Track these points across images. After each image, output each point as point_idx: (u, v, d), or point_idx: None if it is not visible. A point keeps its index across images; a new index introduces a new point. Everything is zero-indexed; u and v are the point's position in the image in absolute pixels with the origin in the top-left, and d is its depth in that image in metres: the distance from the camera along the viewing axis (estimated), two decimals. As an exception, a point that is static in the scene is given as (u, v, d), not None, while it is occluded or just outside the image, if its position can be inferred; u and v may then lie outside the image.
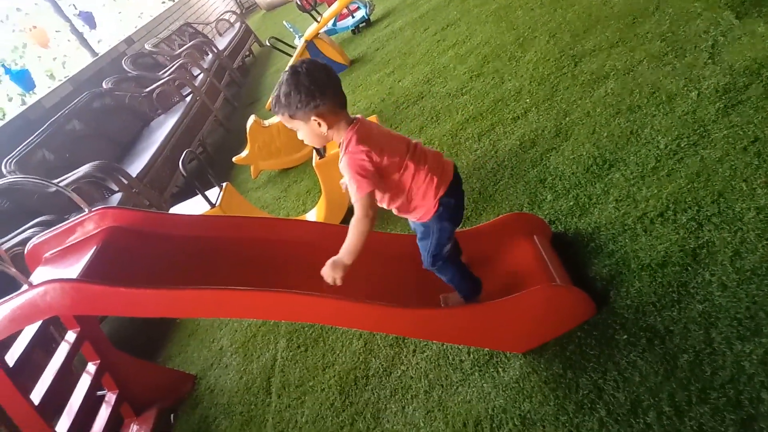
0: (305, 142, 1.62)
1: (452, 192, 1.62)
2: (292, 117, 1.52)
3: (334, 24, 6.39)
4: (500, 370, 1.65)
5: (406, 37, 5.14)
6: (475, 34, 4.15)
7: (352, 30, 6.31)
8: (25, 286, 1.64)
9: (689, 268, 1.57)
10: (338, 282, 1.56)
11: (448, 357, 1.79)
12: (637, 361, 1.44)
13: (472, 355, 1.74)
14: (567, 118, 2.54)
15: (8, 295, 1.65)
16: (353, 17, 6.36)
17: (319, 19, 5.16)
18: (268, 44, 5.59)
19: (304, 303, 1.58)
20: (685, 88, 2.22)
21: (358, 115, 1.58)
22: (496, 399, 1.58)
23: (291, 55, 5.60)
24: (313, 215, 3.01)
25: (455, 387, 1.69)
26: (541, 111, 2.73)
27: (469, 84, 3.47)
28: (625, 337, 1.51)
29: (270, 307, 1.63)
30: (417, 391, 1.76)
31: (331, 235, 1.95)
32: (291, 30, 5.87)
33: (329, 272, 1.57)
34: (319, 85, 1.47)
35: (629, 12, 3.01)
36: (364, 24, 6.27)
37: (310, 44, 5.18)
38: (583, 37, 3.11)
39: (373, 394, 1.85)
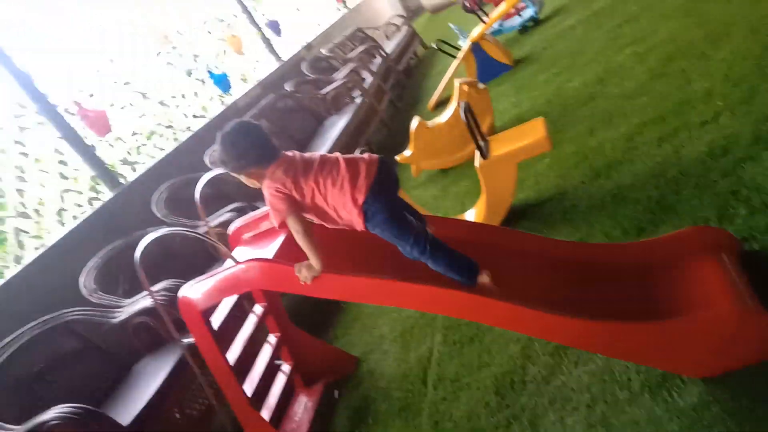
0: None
1: (376, 193, 1.68)
2: (232, 172, 1.81)
3: (501, 24, 6.34)
4: (675, 394, 1.55)
5: (578, 35, 4.93)
6: (658, 31, 3.84)
7: (519, 29, 6.21)
8: (230, 262, 1.92)
9: None
10: (308, 282, 1.75)
11: (614, 374, 1.72)
12: None
13: (641, 375, 1.66)
14: (769, 124, 2.26)
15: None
16: (520, 16, 6.25)
17: (485, 20, 5.17)
18: (434, 46, 5.74)
19: (474, 302, 1.64)
20: None
21: (287, 152, 1.79)
22: (668, 424, 1.49)
23: (455, 57, 5.69)
24: (472, 215, 3.06)
25: (621, 405, 1.62)
26: (737, 115, 2.45)
27: (648, 84, 3.23)
28: (835, 376, 1.33)
29: (437, 301, 1.71)
30: (578, 403, 1.72)
31: (489, 234, 2.00)
32: (457, 32, 5.96)
33: (305, 272, 1.75)
34: (240, 151, 1.74)
35: None
36: (532, 23, 6.13)
37: (474, 45, 5.22)
38: (794, 31, 2.73)
39: (531, 399, 1.85)
